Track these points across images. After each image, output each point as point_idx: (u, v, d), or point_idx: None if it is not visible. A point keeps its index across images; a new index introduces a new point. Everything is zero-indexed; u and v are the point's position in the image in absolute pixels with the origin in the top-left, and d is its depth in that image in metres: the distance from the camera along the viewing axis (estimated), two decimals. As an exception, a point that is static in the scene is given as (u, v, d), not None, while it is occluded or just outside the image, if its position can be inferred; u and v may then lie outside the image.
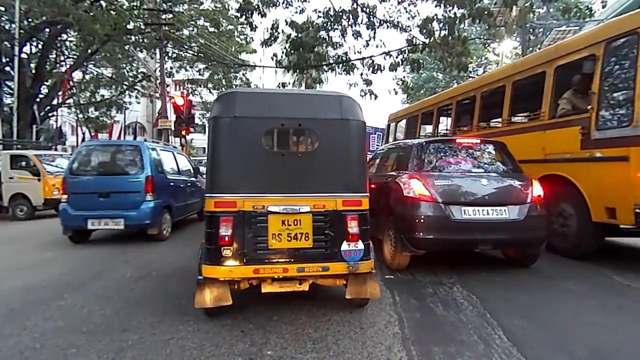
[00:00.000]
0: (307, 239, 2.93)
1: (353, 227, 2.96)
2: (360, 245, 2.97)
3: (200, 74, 20.09)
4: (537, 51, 6.25)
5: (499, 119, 6.46)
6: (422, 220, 4.02)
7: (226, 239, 2.82)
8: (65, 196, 5.99)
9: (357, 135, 3.12)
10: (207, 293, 2.92)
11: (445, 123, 9.34)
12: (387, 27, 9.73)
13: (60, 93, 15.60)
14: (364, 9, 9.46)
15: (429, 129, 9.97)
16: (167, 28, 14.17)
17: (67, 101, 16.26)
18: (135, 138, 25.93)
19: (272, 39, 9.91)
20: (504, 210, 4.05)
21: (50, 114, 16.48)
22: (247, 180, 2.96)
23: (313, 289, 3.18)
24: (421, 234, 4.00)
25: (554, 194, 4.88)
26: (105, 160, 6.42)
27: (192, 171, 8.21)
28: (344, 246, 2.95)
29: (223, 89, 20.74)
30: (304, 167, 3.04)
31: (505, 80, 6.21)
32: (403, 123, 11.04)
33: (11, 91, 13.15)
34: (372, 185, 5.58)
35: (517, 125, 5.97)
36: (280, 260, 2.90)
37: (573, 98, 5.05)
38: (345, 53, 11.39)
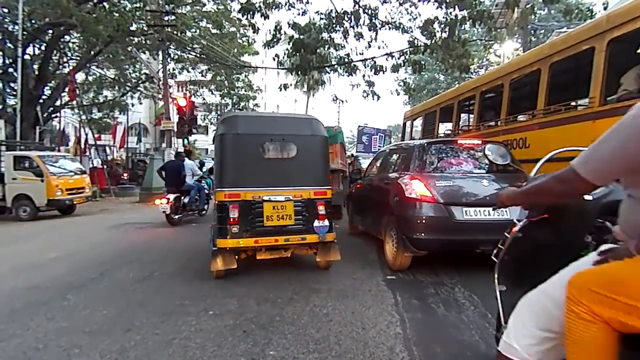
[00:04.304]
0: (290, 219, 4.05)
1: (321, 210, 4.13)
2: (326, 222, 4.13)
3: (202, 76, 20.13)
4: (578, 27, 5.18)
5: (533, 111, 5.49)
6: (423, 221, 4.02)
7: (233, 219, 3.89)
8: None
9: (322, 146, 4.36)
10: (219, 260, 3.92)
11: (467, 118, 8.65)
12: (389, 28, 9.74)
13: (63, 94, 15.65)
14: (366, 11, 9.48)
15: (448, 126, 8.99)
16: (169, 30, 14.18)
17: (72, 102, 16.30)
18: (140, 139, 26.02)
19: (275, 40, 9.94)
20: (506, 210, 4.04)
21: (53, 115, 16.52)
22: (247, 178, 4.04)
23: (313, 288, 3.22)
24: (423, 234, 4.01)
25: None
26: None
27: None
28: (316, 223, 4.09)
29: (225, 90, 20.84)
30: (287, 169, 4.20)
31: (541, 64, 5.24)
32: (420, 121, 10.27)
33: (14, 92, 13.19)
34: (373, 186, 5.62)
35: (556, 116, 4.96)
36: (272, 233, 3.98)
37: None
38: (348, 54, 11.42)
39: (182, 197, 8.18)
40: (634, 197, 1.19)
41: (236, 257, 4.03)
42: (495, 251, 1.98)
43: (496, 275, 1.92)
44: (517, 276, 1.83)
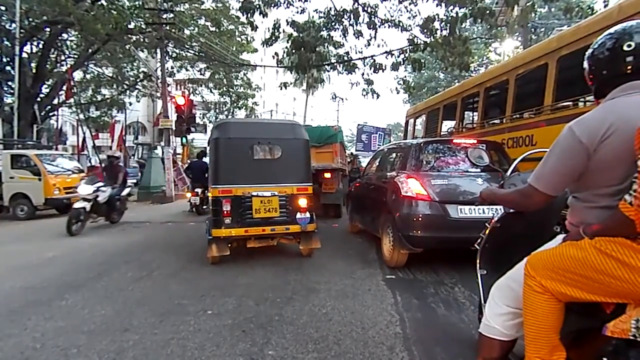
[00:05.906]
0: (276, 211, 4.62)
1: (303, 204, 4.68)
2: (307, 214, 4.69)
3: (201, 74, 20.01)
4: (588, 18, 5.00)
5: (540, 107, 5.25)
6: (419, 219, 4.06)
7: (226, 212, 4.45)
8: None
9: (304, 148, 4.89)
10: (214, 248, 4.50)
11: (471, 116, 8.51)
12: (389, 26, 9.69)
13: (61, 93, 15.56)
14: (365, 9, 9.43)
15: (451, 124, 8.73)
16: (168, 28, 14.10)
17: (68, 101, 16.22)
18: (137, 138, 25.97)
19: (274, 38, 9.88)
20: (500, 208, 4.03)
21: (50, 114, 16.41)
22: (238, 176, 4.57)
23: (313, 288, 3.25)
24: (418, 232, 4.04)
25: None
26: None
27: None
28: (298, 215, 4.64)
29: (224, 89, 20.76)
30: (273, 168, 4.73)
31: (548, 57, 5.07)
32: (423, 119, 10.10)
33: (12, 91, 13.09)
34: (371, 185, 5.61)
35: (564, 113, 4.77)
36: (260, 224, 4.55)
37: None
38: (347, 52, 11.36)
39: (206, 191, 9.21)
40: (577, 198, 1.52)
41: (229, 245, 4.58)
42: (478, 240, 2.21)
43: (478, 261, 2.17)
44: (495, 261, 2.08)
